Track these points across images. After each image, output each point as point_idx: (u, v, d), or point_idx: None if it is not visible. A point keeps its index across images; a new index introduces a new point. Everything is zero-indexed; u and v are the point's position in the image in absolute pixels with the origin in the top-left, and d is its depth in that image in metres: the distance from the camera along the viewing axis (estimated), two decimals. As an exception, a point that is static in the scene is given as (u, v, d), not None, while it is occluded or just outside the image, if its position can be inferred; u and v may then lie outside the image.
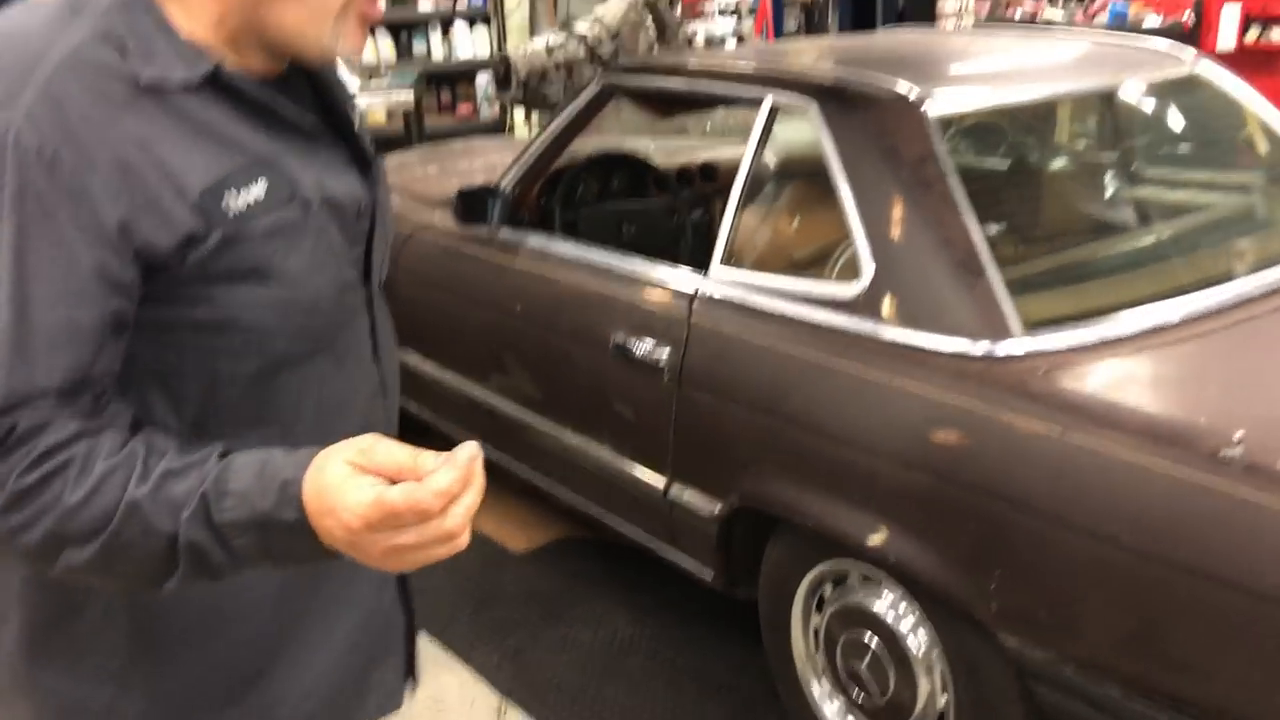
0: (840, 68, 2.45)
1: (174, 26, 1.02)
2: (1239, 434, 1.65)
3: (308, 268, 1.08)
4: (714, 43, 7.89)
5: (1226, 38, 6.72)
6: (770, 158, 2.84)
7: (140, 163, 0.96)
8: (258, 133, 1.06)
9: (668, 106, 3.05)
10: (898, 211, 2.16)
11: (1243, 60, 6.82)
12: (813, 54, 2.78)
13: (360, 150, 1.19)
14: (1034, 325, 2.00)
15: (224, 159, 1.02)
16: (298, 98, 1.13)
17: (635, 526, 2.71)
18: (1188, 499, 1.67)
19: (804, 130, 2.44)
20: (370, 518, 0.88)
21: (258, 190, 1.03)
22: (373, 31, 7.71)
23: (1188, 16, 6.89)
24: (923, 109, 2.24)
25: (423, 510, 0.88)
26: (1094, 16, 7.40)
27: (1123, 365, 1.96)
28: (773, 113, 2.44)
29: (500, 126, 7.56)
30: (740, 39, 7.96)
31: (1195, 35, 6.86)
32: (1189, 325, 2.06)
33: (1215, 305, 2.11)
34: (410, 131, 6.59)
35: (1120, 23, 7.09)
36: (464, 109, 7.84)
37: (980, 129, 2.64)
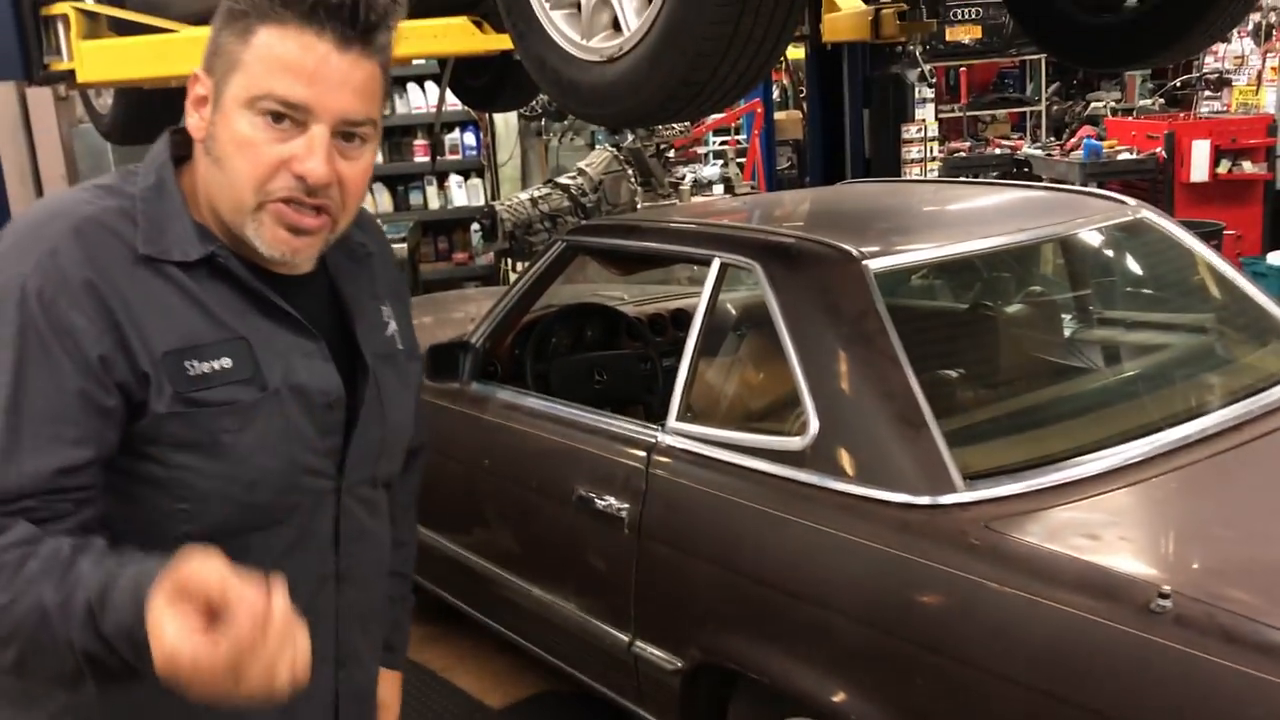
0: (783, 228, 2.54)
1: (192, 214, 1.21)
2: (1167, 586, 1.66)
3: (255, 447, 1.19)
4: (702, 186, 8.10)
5: (1199, 170, 6.89)
6: (726, 312, 2.92)
7: (123, 315, 1.13)
8: (242, 313, 1.20)
9: (628, 264, 3.14)
10: (839, 366, 2.22)
11: (1217, 191, 6.99)
12: (763, 213, 2.88)
13: (357, 351, 1.31)
14: (976, 476, 2.03)
15: (199, 330, 1.17)
16: (310, 292, 1.27)
17: (603, 683, 2.69)
18: (1122, 652, 1.67)
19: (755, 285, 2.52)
20: (175, 670, 0.96)
21: (222, 364, 1.17)
22: (371, 185, 7.95)
23: (1160, 151, 7.08)
24: (862, 264, 2.31)
25: (216, 673, 0.95)
26: (1070, 151, 7.61)
27: (1063, 514, 1.98)
28: (722, 271, 2.52)
29: (495, 271, 7.73)
30: (727, 182, 8.17)
31: (1169, 169, 7.04)
32: (1132, 470, 2.09)
33: (1158, 450, 2.14)
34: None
35: (1096, 156, 7.29)
36: (460, 256, 8.02)
37: (924, 280, 2.72)
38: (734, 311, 2.95)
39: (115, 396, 1.12)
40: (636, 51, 1.91)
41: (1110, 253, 2.85)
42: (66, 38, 2.82)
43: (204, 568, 0.97)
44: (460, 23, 2.61)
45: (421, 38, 2.65)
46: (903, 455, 2.08)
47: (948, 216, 2.86)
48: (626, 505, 2.48)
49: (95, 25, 2.89)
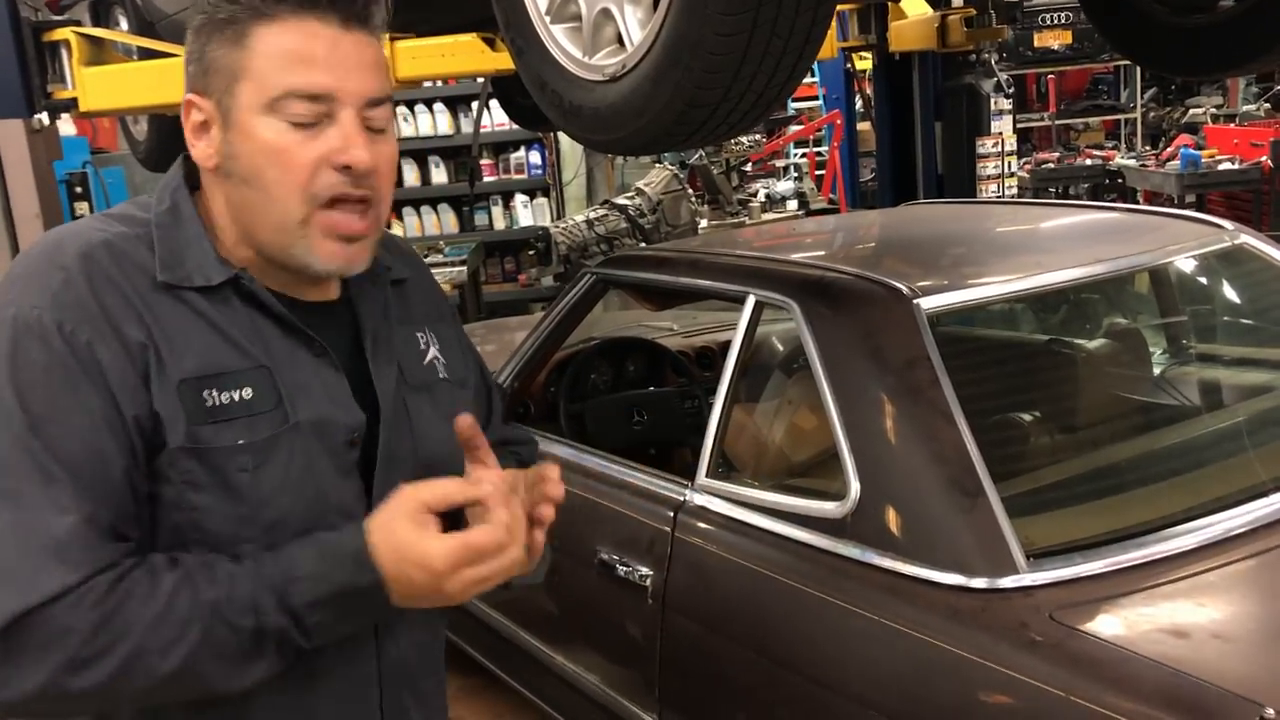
0: (828, 261, 2.27)
1: (215, 242, 1.15)
2: (1271, 710, 1.36)
3: (275, 486, 1.12)
4: (775, 202, 7.82)
5: (1309, 180, 6.42)
6: (764, 353, 2.65)
7: (138, 344, 1.07)
8: (265, 341, 1.14)
9: (660, 298, 2.90)
10: (884, 422, 1.94)
11: (1328, 201, 6.50)
12: (813, 240, 2.61)
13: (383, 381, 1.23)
14: (1041, 553, 1.74)
15: (220, 358, 1.10)
16: (334, 320, 1.21)
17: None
18: (1216, 789, 1.37)
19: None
20: (457, 559, 1.06)
21: (243, 394, 1.11)
22: (435, 205, 7.86)
23: (1266, 160, 6.61)
24: (913, 303, 2.03)
25: (500, 545, 1.08)
26: (1166, 161, 7.17)
27: (1145, 602, 1.68)
28: (758, 309, 2.25)
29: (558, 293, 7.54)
30: (802, 197, 7.88)
31: (1275, 179, 6.58)
32: (1232, 545, 1.77)
33: (1265, 519, 1.83)
34: (465, 303, 6.59)
35: (1194, 167, 6.85)
36: (523, 278, 7.86)
37: (984, 318, 2.42)
38: (773, 352, 2.68)
39: (137, 435, 1.07)
40: (640, 69, 1.67)
41: (1204, 285, 2.52)
42: (69, 64, 2.68)
43: (436, 488, 1.09)
44: (469, 41, 2.40)
45: (429, 57, 2.44)
46: (955, 528, 1.80)
47: (1018, 244, 2.56)
48: (650, 572, 2.23)
49: (99, 51, 2.74)
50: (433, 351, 1.32)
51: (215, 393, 1.09)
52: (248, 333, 1.13)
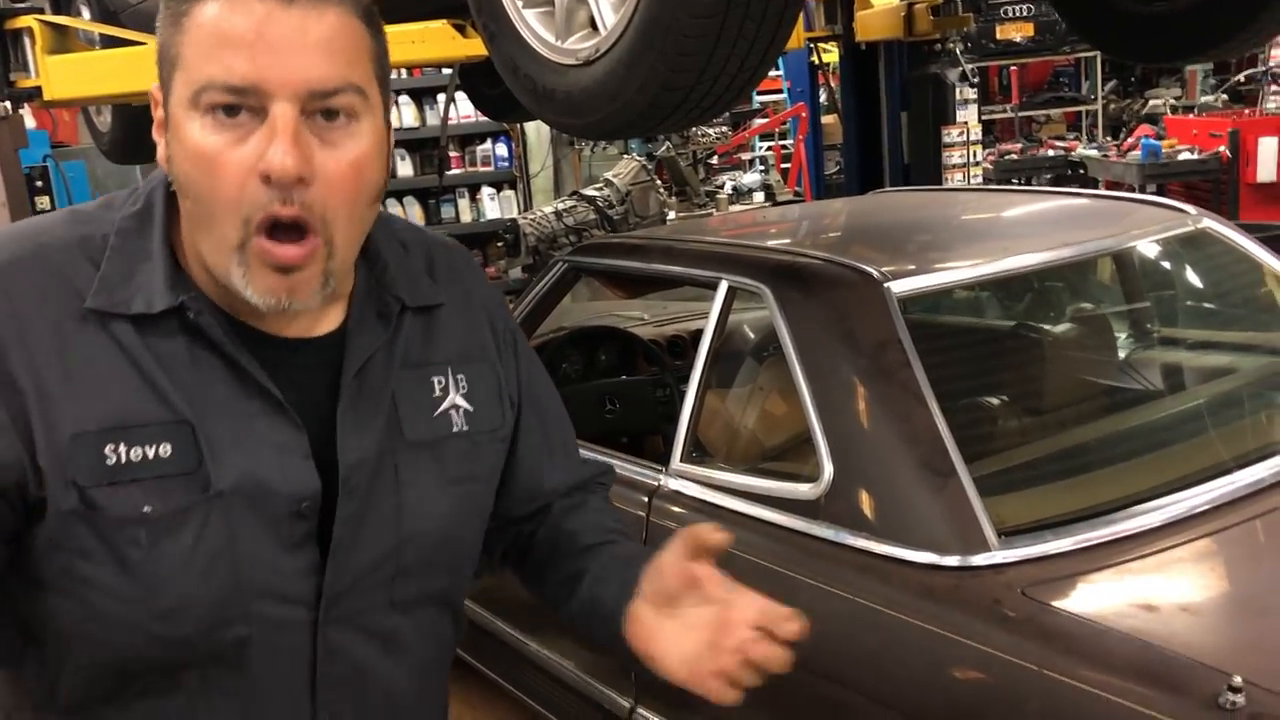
0: (799, 247, 2.29)
1: (178, 256, 0.99)
2: (1238, 677, 1.38)
3: (175, 567, 0.93)
4: (741, 194, 7.85)
5: (1267, 169, 6.51)
6: (737, 338, 2.67)
7: (20, 388, 0.90)
8: (207, 387, 0.96)
9: (632, 286, 2.90)
10: (856, 404, 1.96)
11: (1285, 191, 6.60)
12: (785, 227, 2.63)
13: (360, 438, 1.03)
14: (1012, 531, 1.77)
15: (135, 407, 0.93)
16: (323, 360, 1.02)
17: (605, 751, 2.45)
18: (1185, 757, 1.40)
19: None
20: None
21: (158, 451, 0.93)
22: (401, 199, 7.82)
23: (1224, 150, 6.71)
24: (884, 287, 2.05)
25: None
26: (1127, 152, 7.25)
27: (1114, 578, 1.71)
28: (730, 295, 2.27)
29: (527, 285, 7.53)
30: (768, 189, 7.91)
31: (1234, 168, 6.67)
32: (1198, 522, 1.81)
33: (1229, 496, 1.86)
34: (433, 296, 6.57)
35: (1154, 157, 6.93)
36: (492, 270, 7.84)
37: (956, 300, 2.45)
38: (746, 337, 2.70)
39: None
40: (613, 53, 1.67)
41: (1167, 269, 2.56)
42: (32, 52, 2.65)
43: None
44: (440, 27, 2.40)
45: (400, 45, 2.43)
46: (927, 507, 1.82)
47: (986, 229, 2.59)
48: (625, 556, 2.23)
49: (63, 39, 2.71)
50: (452, 398, 1.10)
51: (122, 448, 0.92)
52: (183, 375, 0.95)
